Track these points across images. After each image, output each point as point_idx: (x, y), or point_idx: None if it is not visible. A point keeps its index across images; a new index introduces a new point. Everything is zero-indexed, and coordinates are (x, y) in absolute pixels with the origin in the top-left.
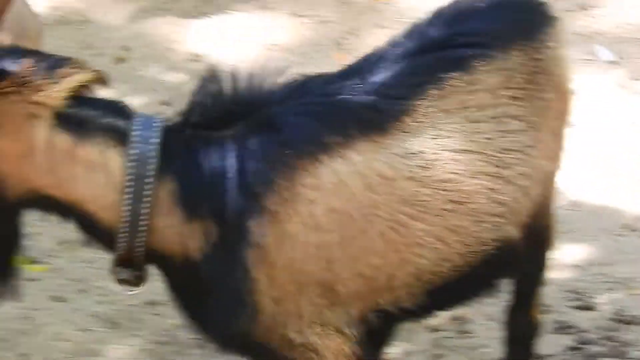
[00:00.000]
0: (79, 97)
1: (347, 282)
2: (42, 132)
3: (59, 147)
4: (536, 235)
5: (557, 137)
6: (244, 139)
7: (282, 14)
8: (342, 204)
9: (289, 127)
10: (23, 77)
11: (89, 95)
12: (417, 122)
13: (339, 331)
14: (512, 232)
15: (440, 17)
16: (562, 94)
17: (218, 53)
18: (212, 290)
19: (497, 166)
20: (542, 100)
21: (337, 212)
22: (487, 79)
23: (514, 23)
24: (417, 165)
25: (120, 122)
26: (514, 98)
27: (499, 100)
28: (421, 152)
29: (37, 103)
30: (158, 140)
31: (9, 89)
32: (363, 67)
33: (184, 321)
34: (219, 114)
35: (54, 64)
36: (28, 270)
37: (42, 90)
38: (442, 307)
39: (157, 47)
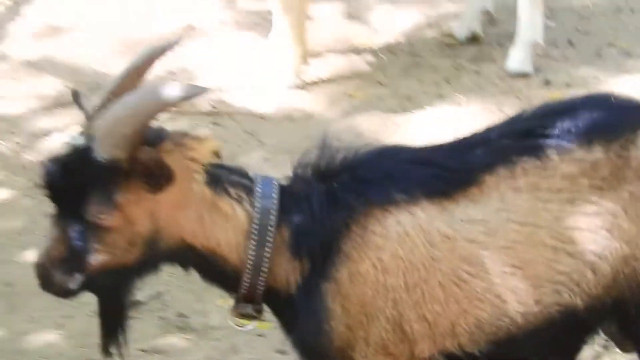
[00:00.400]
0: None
1: (413, 323)
2: (196, 186)
3: (206, 199)
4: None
5: None
6: (334, 192)
7: (470, 107)
8: (405, 253)
9: (368, 184)
10: (179, 138)
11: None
12: (484, 194)
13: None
14: (576, 301)
15: (534, 111)
16: None
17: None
18: (301, 315)
19: (561, 241)
20: (626, 192)
21: (401, 259)
22: (564, 167)
23: (601, 121)
24: (478, 231)
25: (245, 181)
26: (594, 186)
27: (576, 187)
28: (484, 219)
29: (192, 159)
30: (277, 195)
31: (171, 148)
32: (449, 144)
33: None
34: (319, 171)
35: (185, 134)
36: (257, 327)
37: (194, 150)
38: (509, 358)
39: (365, 138)
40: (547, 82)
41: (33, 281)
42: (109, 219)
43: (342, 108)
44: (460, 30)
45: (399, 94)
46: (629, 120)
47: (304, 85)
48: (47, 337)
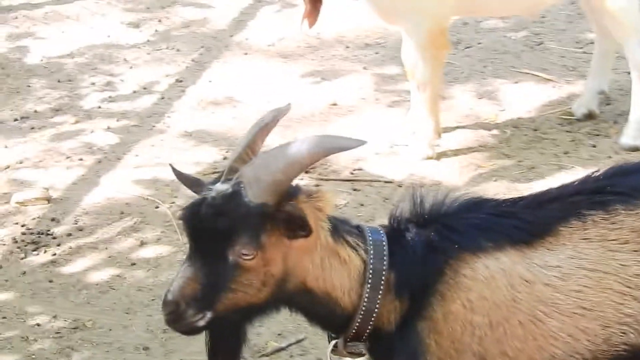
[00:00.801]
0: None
1: (496, 358)
2: (322, 234)
3: (329, 246)
4: None
5: None
6: (431, 240)
7: None
8: (490, 294)
9: (459, 232)
10: (309, 191)
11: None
12: (559, 243)
13: None
14: None
15: (606, 171)
16: None
17: None
18: (398, 351)
19: (628, 287)
20: None
21: (487, 300)
22: (631, 221)
23: None
24: (554, 275)
25: (355, 230)
26: None
27: (630, 238)
28: (559, 266)
29: (320, 210)
30: (386, 242)
31: (305, 199)
32: (529, 198)
33: None
34: (416, 221)
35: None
36: None
37: (321, 201)
38: None
39: None
40: None
41: None
42: (252, 259)
43: (470, 177)
44: (579, 108)
45: (522, 165)
46: None
47: (437, 157)
48: None
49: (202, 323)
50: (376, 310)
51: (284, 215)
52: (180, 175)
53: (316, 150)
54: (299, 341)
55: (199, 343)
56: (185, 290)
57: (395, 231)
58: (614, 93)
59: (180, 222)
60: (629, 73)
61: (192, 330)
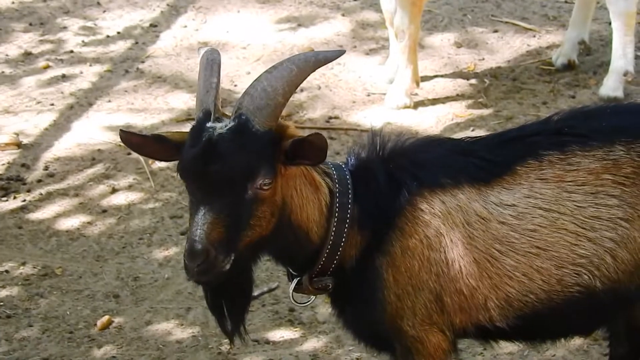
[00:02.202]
0: None
1: (452, 296)
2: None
3: (306, 172)
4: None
5: None
6: (392, 174)
7: None
8: (447, 230)
9: (419, 168)
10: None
11: None
12: (515, 182)
13: (442, 332)
14: (596, 283)
15: (567, 113)
16: None
17: None
18: (356, 287)
19: (583, 228)
20: None
21: (443, 237)
22: (588, 163)
23: (623, 124)
24: (509, 214)
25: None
26: (617, 182)
27: (600, 181)
28: (514, 204)
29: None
30: (349, 177)
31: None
32: (489, 137)
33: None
34: (377, 156)
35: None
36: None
37: (298, 132)
38: (534, 335)
39: None
40: None
41: (157, 276)
42: (269, 188)
43: (447, 126)
44: (559, 58)
45: (500, 115)
46: None
47: (415, 106)
48: (167, 327)
49: (228, 267)
50: (342, 244)
51: (293, 141)
52: (131, 137)
53: (306, 66)
54: (271, 290)
55: (169, 291)
56: (212, 236)
57: (356, 167)
58: (595, 43)
59: (187, 169)
60: (609, 23)
61: (219, 277)
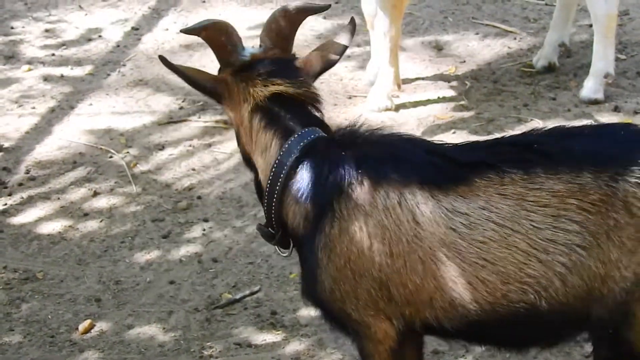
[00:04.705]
0: (281, 99)
1: (398, 288)
2: (246, 113)
3: (253, 127)
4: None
5: (628, 253)
6: (341, 159)
7: None
8: (390, 224)
9: (370, 159)
10: (255, 74)
11: (290, 100)
12: (472, 192)
13: (390, 320)
14: (542, 304)
15: (546, 130)
16: None
17: None
18: (301, 258)
19: (535, 248)
20: (612, 219)
21: (387, 229)
22: (552, 184)
23: (595, 150)
24: (460, 222)
25: (293, 127)
26: (582, 209)
27: (564, 205)
28: (467, 214)
29: (251, 94)
30: (298, 152)
31: (245, 78)
32: (460, 144)
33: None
34: (343, 140)
35: (277, 72)
36: None
37: (255, 87)
38: (480, 341)
39: None
40: (617, 109)
41: (139, 279)
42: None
43: (429, 128)
44: (539, 60)
45: (481, 117)
46: (623, 154)
47: (396, 108)
48: (149, 331)
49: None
50: (274, 202)
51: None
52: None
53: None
54: (253, 293)
55: (150, 295)
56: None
57: (317, 142)
58: (575, 46)
59: None
60: (590, 26)
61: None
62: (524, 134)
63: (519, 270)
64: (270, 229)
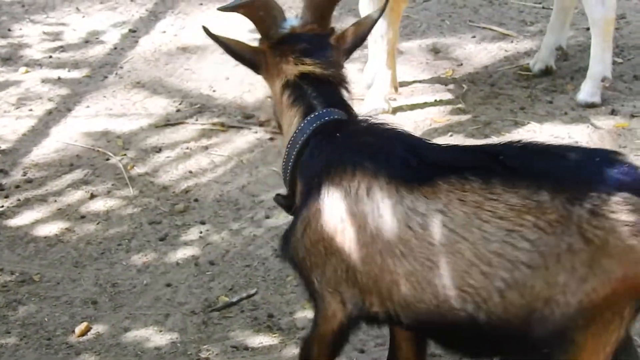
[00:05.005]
0: (310, 77)
1: (362, 275)
2: (278, 87)
3: (283, 101)
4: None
5: (578, 280)
6: (333, 144)
7: (543, 133)
8: (358, 212)
9: (355, 148)
10: (290, 51)
11: (318, 79)
12: (435, 195)
13: (343, 302)
14: (479, 315)
15: (521, 144)
16: (599, 252)
17: None
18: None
19: (479, 259)
20: (565, 243)
21: (355, 217)
22: (509, 197)
23: (556, 171)
24: (417, 221)
25: (315, 106)
26: (538, 227)
27: (521, 220)
28: (424, 214)
29: (285, 69)
30: (313, 128)
31: (282, 52)
32: (443, 145)
33: None
34: (347, 127)
35: (310, 50)
36: None
37: (287, 64)
38: (431, 338)
39: None
40: (614, 113)
41: (136, 282)
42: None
43: (425, 132)
44: (536, 63)
45: (478, 121)
46: (585, 179)
47: (393, 111)
48: (146, 333)
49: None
50: (287, 178)
51: None
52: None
53: None
54: (249, 296)
55: (147, 297)
56: None
57: (325, 125)
58: (572, 49)
59: None
60: (587, 29)
61: None
62: (498, 144)
63: (461, 279)
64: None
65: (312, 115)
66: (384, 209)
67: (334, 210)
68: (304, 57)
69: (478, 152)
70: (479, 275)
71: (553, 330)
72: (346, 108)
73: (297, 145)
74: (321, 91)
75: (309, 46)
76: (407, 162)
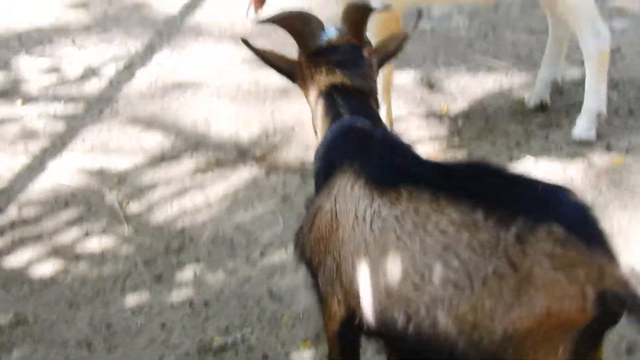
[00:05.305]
0: (340, 88)
1: (344, 274)
2: (313, 97)
3: (317, 110)
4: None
5: (504, 307)
6: (343, 143)
7: (539, 169)
8: (345, 212)
9: (356, 151)
10: (322, 63)
11: (347, 90)
12: (398, 201)
13: (339, 303)
14: (409, 327)
15: (477, 163)
16: (527, 292)
17: None
18: None
19: (413, 270)
20: (491, 266)
21: (342, 216)
22: (450, 213)
23: (492, 193)
24: (377, 225)
25: (341, 114)
26: (471, 246)
27: (457, 238)
28: (385, 219)
29: (322, 81)
30: (334, 133)
31: (311, 62)
32: (426, 159)
33: None
34: (361, 130)
35: (343, 62)
36: None
37: (320, 74)
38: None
39: None
40: (609, 148)
41: (130, 323)
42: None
43: None
44: (531, 98)
45: (473, 156)
46: (521, 205)
47: None
48: None
49: None
50: (315, 183)
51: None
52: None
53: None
54: (244, 337)
55: (142, 338)
56: None
57: (354, 129)
58: (567, 83)
59: None
60: (582, 63)
61: None
62: (458, 162)
63: (396, 288)
64: None
65: (337, 123)
66: (359, 210)
67: (329, 209)
68: (336, 68)
69: (439, 167)
70: (411, 287)
71: (485, 358)
72: (372, 118)
73: (320, 154)
74: (350, 101)
75: (342, 58)
76: (387, 167)
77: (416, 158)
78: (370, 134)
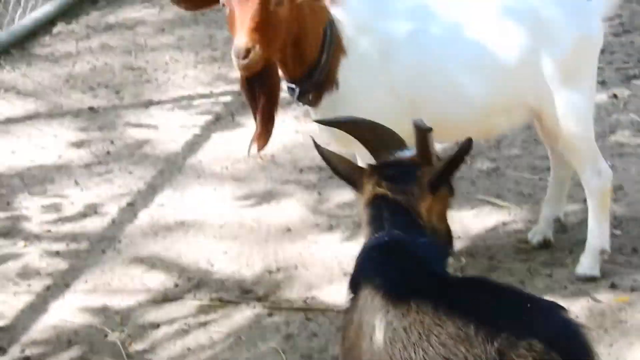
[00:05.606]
0: (385, 199)
1: None
2: (363, 205)
3: (364, 218)
4: None
5: None
6: (368, 262)
7: None
8: (365, 319)
9: (381, 264)
10: (375, 174)
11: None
12: (408, 312)
13: None
14: None
15: (478, 279)
16: None
17: None
18: None
19: None
20: None
21: (364, 325)
22: (449, 328)
23: (485, 313)
24: (389, 335)
25: (382, 226)
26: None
27: (455, 350)
28: (395, 329)
29: (366, 188)
30: (372, 245)
31: (370, 172)
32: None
33: None
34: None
35: (393, 176)
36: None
37: (370, 184)
38: None
39: None
40: (614, 286)
41: None
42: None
43: None
44: (535, 236)
45: None
46: (505, 322)
47: None
48: None
49: None
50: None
51: None
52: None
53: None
54: None
55: None
56: None
57: (386, 243)
58: (570, 221)
59: None
60: (585, 201)
61: None
62: (460, 277)
63: None
64: None
65: (376, 234)
66: (376, 320)
67: (354, 320)
68: (385, 180)
69: (443, 280)
70: None
71: None
72: (411, 231)
73: (358, 260)
74: (392, 213)
75: (394, 172)
76: (403, 282)
77: (432, 273)
78: (401, 248)
